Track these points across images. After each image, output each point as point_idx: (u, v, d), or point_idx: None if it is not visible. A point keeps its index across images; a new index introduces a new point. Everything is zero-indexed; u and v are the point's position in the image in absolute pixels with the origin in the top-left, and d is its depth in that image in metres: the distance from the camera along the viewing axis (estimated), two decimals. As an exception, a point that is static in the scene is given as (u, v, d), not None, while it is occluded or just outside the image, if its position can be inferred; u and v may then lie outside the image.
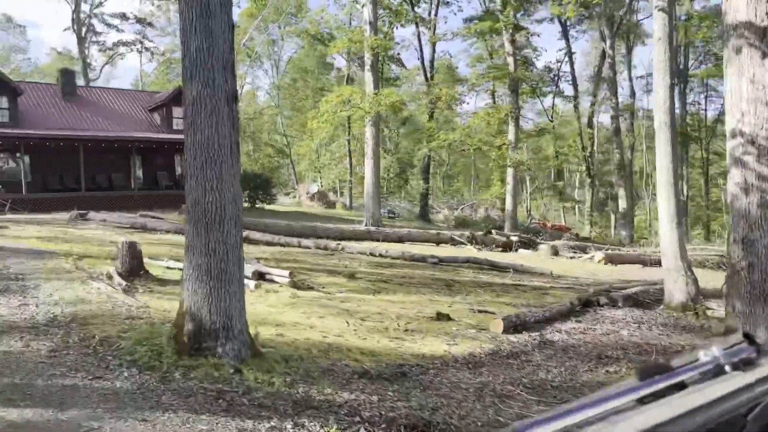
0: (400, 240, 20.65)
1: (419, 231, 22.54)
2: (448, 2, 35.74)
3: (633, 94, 42.76)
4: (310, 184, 54.85)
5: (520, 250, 21.16)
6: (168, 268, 10.44)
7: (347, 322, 7.40)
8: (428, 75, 36.72)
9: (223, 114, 4.89)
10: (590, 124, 41.21)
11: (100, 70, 44.66)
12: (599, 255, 20.18)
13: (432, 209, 42.41)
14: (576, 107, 38.09)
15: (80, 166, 24.09)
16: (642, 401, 0.82)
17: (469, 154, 38.13)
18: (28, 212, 22.12)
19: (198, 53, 4.86)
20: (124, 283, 8.35)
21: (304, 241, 16.64)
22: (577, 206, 50.61)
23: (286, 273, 9.35)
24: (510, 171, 28.21)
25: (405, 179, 63.97)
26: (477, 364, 6.11)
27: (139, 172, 27.86)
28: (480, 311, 8.80)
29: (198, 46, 4.88)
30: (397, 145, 50.58)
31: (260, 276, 9.84)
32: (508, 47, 28.86)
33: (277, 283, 9.52)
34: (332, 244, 16.48)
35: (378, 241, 19.71)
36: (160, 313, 6.73)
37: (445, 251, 17.88)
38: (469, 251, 19.21)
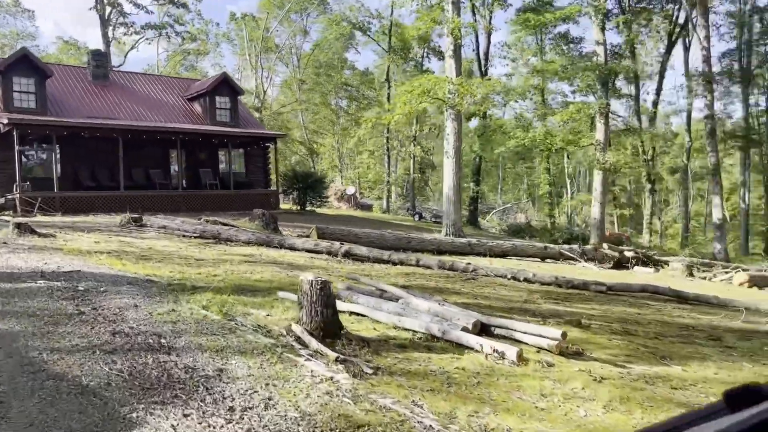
0: (504, 254, 17.53)
1: (524, 244, 19.33)
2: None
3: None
4: (338, 185, 51.42)
5: (636, 268, 18.01)
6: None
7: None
8: (483, 68, 33.52)
9: None
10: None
11: (125, 56, 41.00)
12: (741, 276, 17.16)
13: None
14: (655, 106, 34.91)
15: (119, 160, 20.65)
16: None
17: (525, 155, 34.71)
18: (61, 213, 18.70)
19: None
20: (334, 355, 5.04)
21: (424, 259, 13.31)
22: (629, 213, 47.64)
23: (555, 332, 5.91)
24: (598, 176, 24.84)
25: (425, 180, 60.88)
26: None
27: (179, 169, 24.40)
28: None
29: None
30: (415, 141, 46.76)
31: (482, 329, 6.53)
32: (597, 35, 25.47)
33: (523, 343, 6.19)
34: (460, 263, 13.14)
35: (484, 255, 16.80)
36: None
37: (598, 274, 14.80)
38: (590, 270, 16.19)
